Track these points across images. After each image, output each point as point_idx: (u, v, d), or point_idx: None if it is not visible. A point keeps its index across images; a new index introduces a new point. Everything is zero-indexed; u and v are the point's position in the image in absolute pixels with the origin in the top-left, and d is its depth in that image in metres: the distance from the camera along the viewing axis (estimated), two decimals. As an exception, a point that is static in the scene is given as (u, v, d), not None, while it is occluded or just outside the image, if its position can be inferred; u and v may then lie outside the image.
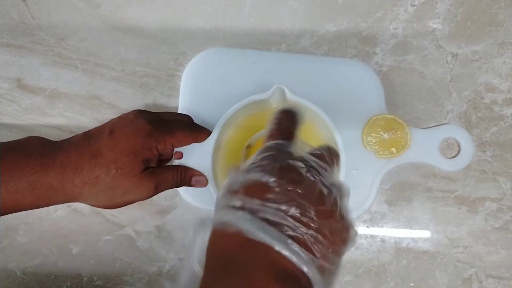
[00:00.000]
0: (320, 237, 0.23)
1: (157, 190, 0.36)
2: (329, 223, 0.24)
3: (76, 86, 0.48)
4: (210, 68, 0.47)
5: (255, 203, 0.23)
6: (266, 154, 0.26)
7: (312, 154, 0.27)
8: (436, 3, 0.50)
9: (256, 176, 0.24)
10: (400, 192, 0.48)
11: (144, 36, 0.49)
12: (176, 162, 0.40)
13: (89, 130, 0.36)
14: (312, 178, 0.25)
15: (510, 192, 0.48)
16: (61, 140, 0.35)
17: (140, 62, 0.48)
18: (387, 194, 0.48)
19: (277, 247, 0.22)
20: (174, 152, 0.40)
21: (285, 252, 0.22)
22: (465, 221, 0.48)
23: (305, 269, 0.22)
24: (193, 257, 0.25)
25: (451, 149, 0.48)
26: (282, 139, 0.28)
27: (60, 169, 0.32)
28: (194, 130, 0.40)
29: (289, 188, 0.23)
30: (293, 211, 0.23)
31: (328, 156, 0.28)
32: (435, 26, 0.50)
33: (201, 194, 0.44)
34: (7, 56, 0.48)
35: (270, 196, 0.23)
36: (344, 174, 0.41)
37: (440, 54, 0.49)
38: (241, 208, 0.23)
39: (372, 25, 0.49)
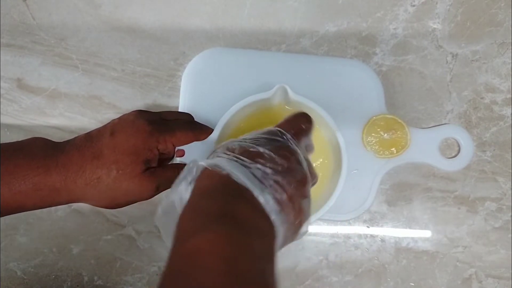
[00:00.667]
0: (291, 204, 0.27)
1: (158, 190, 0.37)
2: (299, 201, 0.28)
3: (76, 86, 0.48)
4: (210, 68, 0.47)
5: (246, 161, 0.27)
6: (267, 135, 0.30)
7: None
8: (436, 3, 0.50)
9: (253, 145, 0.28)
10: (400, 192, 0.48)
11: (144, 36, 0.49)
12: (177, 160, 0.40)
13: (90, 131, 0.36)
14: (299, 166, 0.29)
15: (510, 192, 0.48)
16: (63, 142, 0.35)
17: (140, 62, 0.48)
18: (387, 194, 0.48)
19: (256, 192, 0.25)
20: (176, 150, 0.40)
21: (261, 199, 0.25)
22: (465, 221, 0.48)
23: (272, 216, 0.25)
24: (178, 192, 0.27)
25: (451, 149, 0.48)
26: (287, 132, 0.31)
27: (63, 171, 0.32)
28: (195, 129, 0.40)
29: (278, 161, 0.27)
30: (276, 177, 0.27)
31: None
32: (435, 26, 0.50)
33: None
34: (7, 56, 0.48)
35: (260, 160, 0.27)
36: (344, 174, 0.41)
37: (440, 54, 0.49)
38: (235, 160, 0.27)
39: (372, 25, 0.49)
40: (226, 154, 0.28)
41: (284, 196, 0.27)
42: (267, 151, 0.28)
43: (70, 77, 0.48)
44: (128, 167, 0.34)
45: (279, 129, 0.31)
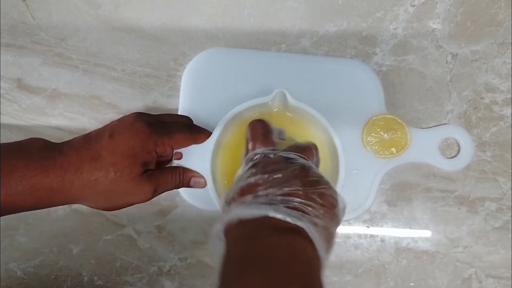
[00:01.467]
0: (310, 202, 0.28)
1: (156, 192, 0.37)
2: (317, 189, 0.29)
3: (76, 86, 0.48)
4: (210, 68, 0.47)
5: (248, 199, 0.28)
6: (250, 164, 0.31)
7: (292, 148, 0.32)
8: (436, 3, 0.50)
9: (245, 181, 0.30)
10: (400, 192, 0.48)
11: (144, 36, 0.49)
12: (175, 163, 0.40)
13: (89, 133, 0.36)
14: (290, 164, 0.30)
15: (510, 192, 0.48)
16: (61, 142, 0.35)
17: (140, 62, 0.48)
18: (387, 194, 0.48)
19: (271, 213, 0.26)
20: (173, 152, 0.40)
21: (278, 215, 0.26)
22: (465, 221, 0.48)
23: (298, 223, 0.26)
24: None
25: (451, 149, 0.48)
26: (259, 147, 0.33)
27: (61, 172, 0.32)
28: (194, 132, 0.40)
29: (271, 177, 0.29)
30: (280, 190, 0.28)
31: (308, 149, 0.33)
32: (435, 26, 0.50)
33: (201, 194, 0.44)
34: (7, 56, 0.48)
35: (259, 188, 0.28)
36: (343, 174, 0.41)
37: (440, 54, 0.49)
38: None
39: (372, 25, 0.49)
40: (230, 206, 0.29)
41: (298, 198, 0.28)
42: (256, 177, 0.29)
43: (70, 77, 0.48)
44: (126, 169, 0.34)
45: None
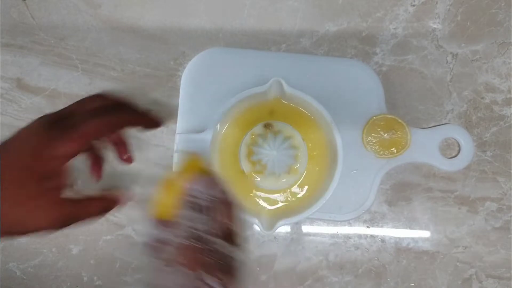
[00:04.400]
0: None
1: (68, 222, 0.28)
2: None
3: (76, 86, 0.48)
4: (210, 68, 0.47)
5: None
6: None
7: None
8: (436, 3, 0.50)
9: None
10: (400, 192, 0.48)
11: (144, 36, 0.49)
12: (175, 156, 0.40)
13: None
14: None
15: (510, 192, 0.48)
16: None
17: (140, 62, 0.48)
18: (387, 194, 0.48)
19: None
20: (124, 157, 0.34)
21: None
22: (465, 221, 0.48)
23: None
24: None
25: (451, 149, 0.48)
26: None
27: None
28: (115, 114, 0.29)
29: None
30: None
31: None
32: (435, 26, 0.50)
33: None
34: (7, 56, 0.48)
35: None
36: (340, 173, 0.41)
37: (440, 54, 0.49)
38: None
39: (372, 25, 0.49)
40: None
41: None
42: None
43: (70, 77, 0.48)
44: (22, 187, 0.25)
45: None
